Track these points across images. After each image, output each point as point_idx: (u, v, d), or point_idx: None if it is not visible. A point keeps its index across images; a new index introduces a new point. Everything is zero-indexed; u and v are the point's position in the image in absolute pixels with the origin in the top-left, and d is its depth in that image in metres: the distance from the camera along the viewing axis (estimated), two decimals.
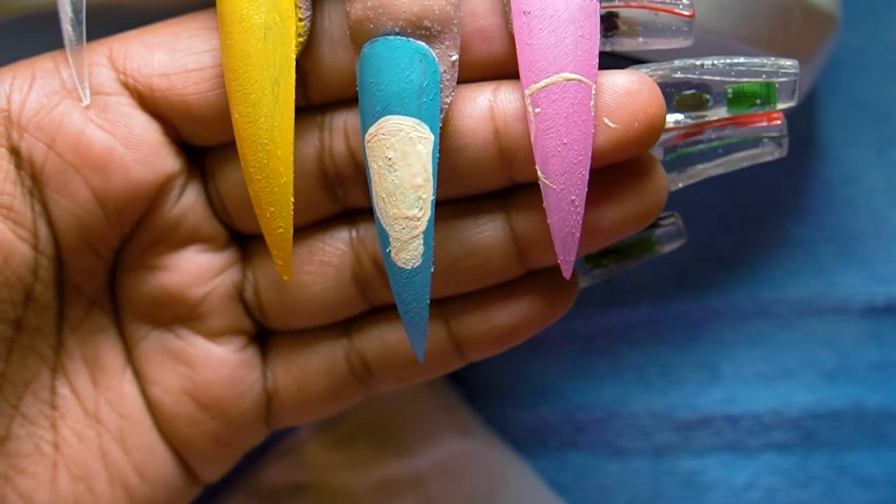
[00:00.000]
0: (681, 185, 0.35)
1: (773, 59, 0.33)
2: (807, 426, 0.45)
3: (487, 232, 0.34)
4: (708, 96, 0.33)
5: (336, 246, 0.35)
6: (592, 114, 0.31)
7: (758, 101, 0.33)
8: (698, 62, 0.33)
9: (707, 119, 0.33)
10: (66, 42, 0.33)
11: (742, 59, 0.33)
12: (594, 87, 0.31)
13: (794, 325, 0.46)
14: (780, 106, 0.33)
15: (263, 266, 0.35)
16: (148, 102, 0.33)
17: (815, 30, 0.40)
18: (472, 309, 0.35)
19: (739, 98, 0.33)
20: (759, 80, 0.33)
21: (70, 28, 0.33)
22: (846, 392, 0.45)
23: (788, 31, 0.38)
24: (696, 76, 0.33)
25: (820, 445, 0.45)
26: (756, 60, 0.33)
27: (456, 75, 0.31)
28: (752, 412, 0.45)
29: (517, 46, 0.31)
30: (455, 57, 0.31)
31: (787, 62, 0.33)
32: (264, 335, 0.37)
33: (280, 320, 0.36)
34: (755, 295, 0.46)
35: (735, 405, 0.45)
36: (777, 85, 0.33)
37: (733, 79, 0.33)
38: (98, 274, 0.35)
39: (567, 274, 0.31)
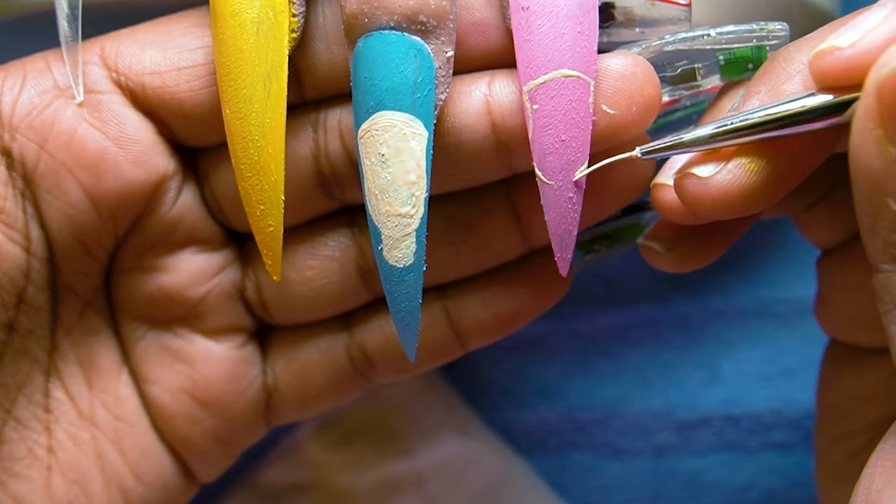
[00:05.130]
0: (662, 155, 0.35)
1: (761, 23, 0.33)
2: (807, 426, 0.45)
3: (488, 210, 0.34)
4: (700, 66, 0.33)
5: (338, 240, 0.35)
6: (591, 110, 0.31)
7: (750, 66, 0.33)
8: (689, 34, 0.33)
9: (701, 89, 0.33)
10: (62, 38, 0.32)
11: (731, 27, 0.33)
12: (593, 83, 0.31)
13: (794, 325, 0.46)
14: None
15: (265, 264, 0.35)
16: (140, 101, 0.33)
17: (814, 30, 0.40)
18: (471, 296, 0.35)
19: (731, 64, 0.33)
20: (750, 44, 0.33)
21: (66, 24, 0.32)
22: None
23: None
24: (686, 47, 0.33)
25: None
26: (745, 26, 0.33)
27: (451, 71, 0.31)
28: (752, 412, 0.45)
29: (515, 42, 0.31)
30: (450, 53, 0.31)
31: (777, 25, 0.33)
32: (263, 331, 0.37)
33: (283, 315, 0.36)
34: (755, 295, 0.46)
35: (735, 405, 0.45)
36: (768, 48, 0.33)
37: (724, 46, 0.33)
38: (92, 275, 0.35)
39: (564, 271, 0.31)
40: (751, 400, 0.45)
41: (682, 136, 0.30)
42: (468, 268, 0.35)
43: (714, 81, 0.33)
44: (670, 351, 0.46)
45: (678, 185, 0.31)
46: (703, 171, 0.30)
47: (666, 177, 0.32)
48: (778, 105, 0.29)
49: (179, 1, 0.34)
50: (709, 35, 0.32)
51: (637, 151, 0.31)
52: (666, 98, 0.33)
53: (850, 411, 0.35)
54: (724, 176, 0.30)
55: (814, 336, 0.45)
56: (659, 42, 0.33)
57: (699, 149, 0.30)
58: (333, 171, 0.34)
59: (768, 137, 0.30)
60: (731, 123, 0.30)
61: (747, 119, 0.29)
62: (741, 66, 0.33)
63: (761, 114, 0.29)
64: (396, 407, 0.46)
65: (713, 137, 0.30)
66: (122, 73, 0.33)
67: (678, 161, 0.32)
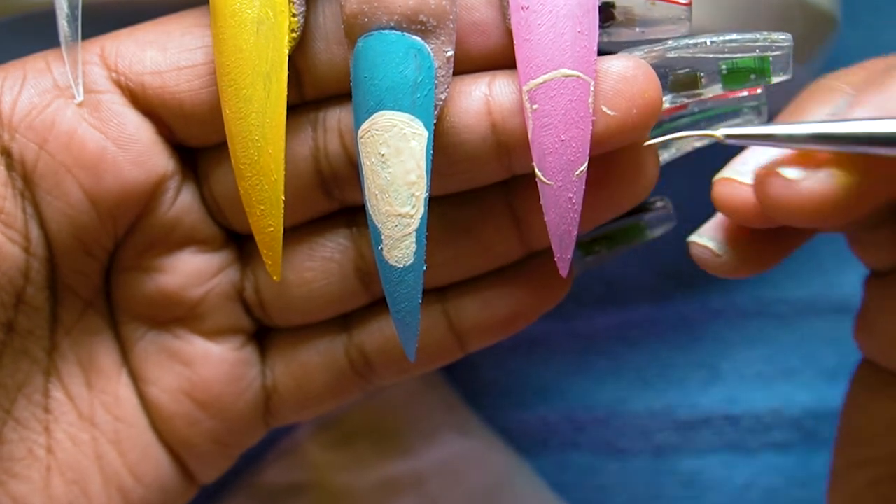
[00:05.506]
0: (667, 158, 0.35)
1: (765, 33, 0.33)
2: (807, 426, 0.45)
3: (488, 213, 0.34)
4: (702, 74, 0.33)
5: (337, 241, 0.35)
6: (591, 110, 0.31)
7: (752, 76, 0.33)
8: (692, 41, 0.33)
9: (703, 97, 0.33)
10: (62, 38, 0.32)
11: (735, 36, 0.33)
12: (593, 83, 0.31)
13: (794, 325, 0.46)
14: (776, 80, 0.33)
15: (264, 265, 0.35)
16: (140, 101, 0.33)
17: (814, 30, 0.40)
18: (471, 298, 0.35)
19: (734, 74, 0.33)
20: (753, 55, 0.32)
21: (66, 24, 0.32)
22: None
23: (788, 31, 0.38)
24: (689, 55, 0.33)
25: (820, 445, 0.45)
26: (749, 36, 0.33)
27: (451, 71, 0.31)
28: (752, 412, 0.45)
29: (515, 42, 0.31)
30: (450, 52, 0.31)
31: (780, 36, 0.33)
32: (263, 333, 0.37)
33: (282, 317, 0.36)
34: (755, 295, 0.46)
35: (735, 405, 0.45)
36: (771, 58, 0.32)
37: (727, 55, 0.33)
38: (92, 275, 0.35)
39: (564, 272, 0.31)
40: (751, 400, 0.45)
41: (771, 128, 0.30)
42: (468, 270, 0.35)
43: (716, 90, 0.33)
44: (670, 351, 0.46)
45: (761, 183, 0.30)
46: (792, 173, 0.29)
47: (735, 172, 0.31)
48: (889, 120, 0.28)
49: (179, 1, 0.34)
50: (710, 42, 0.32)
51: (720, 133, 0.30)
52: (668, 105, 0.33)
53: (878, 436, 0.34)
54: (815, 183, 0.29)
55: (814, 336, 0.46)
56: (662, 47, 0.33)
57: (788, 146, 0.29)
58: (333, 171, 0.34)
59: (869, 153, 0.29)
60: (835, 130, 0.29)
61: (853, 130, 0.28)
62: (743, 77, 0.32)
63: (869, 128, 0.28)
64: (396, 407, 0.46)
65: (811, 139, 0.29)
66: (122, 73, 0.33)
67: (751, 159, 0.31)
